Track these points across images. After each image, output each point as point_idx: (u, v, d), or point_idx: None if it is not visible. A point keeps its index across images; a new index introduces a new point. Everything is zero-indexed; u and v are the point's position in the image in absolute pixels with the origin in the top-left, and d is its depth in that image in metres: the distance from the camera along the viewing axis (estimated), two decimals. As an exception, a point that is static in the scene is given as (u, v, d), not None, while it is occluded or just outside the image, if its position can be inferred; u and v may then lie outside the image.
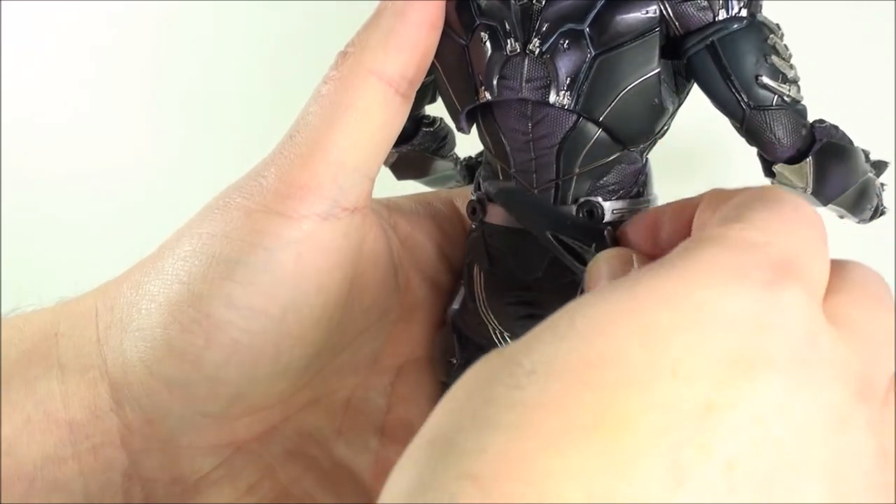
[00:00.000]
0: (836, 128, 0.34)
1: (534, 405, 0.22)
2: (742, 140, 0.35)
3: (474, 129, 0.38)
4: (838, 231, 0.53)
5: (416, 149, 0.42)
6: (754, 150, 0.35)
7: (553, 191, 0.35)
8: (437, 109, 0.42)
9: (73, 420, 0.35)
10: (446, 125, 0.43)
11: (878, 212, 0.37)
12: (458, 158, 0.46)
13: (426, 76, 0.39)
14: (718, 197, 0.29)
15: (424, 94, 0.40)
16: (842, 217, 0.37)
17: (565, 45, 0.33)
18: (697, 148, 0.50)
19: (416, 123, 0.42)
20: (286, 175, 0.35)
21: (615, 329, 0.23)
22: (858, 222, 0.37)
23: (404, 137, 0.41)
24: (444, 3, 0.35)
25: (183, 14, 0.70)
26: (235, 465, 0.39)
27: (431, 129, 0.42)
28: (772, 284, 0.24)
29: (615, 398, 0.22)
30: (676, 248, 0.25)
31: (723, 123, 0.35)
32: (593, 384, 0.22)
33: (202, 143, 0.71)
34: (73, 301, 0.38)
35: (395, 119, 0.36)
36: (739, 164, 0.54)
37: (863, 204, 0.36)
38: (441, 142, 0.43)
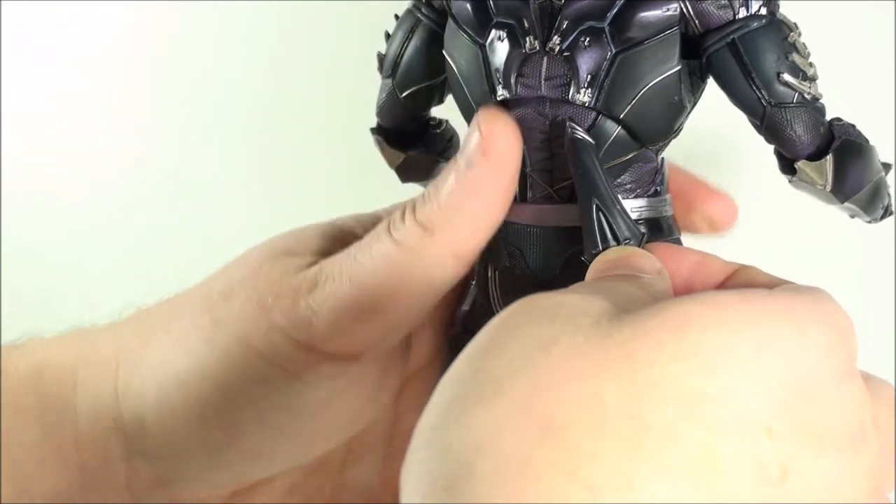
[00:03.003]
0: (852, 126, 0.34)
1: (655, 425, 0.22)
2: (748, 140, 0.35)
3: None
4: (839, 232, 0.54)
5: (423, 151, 0.42)
6: (758, 150, 0.36)
7: (570, 188, 0.35)
8: (438, 111, 0.42)
9: (85, 465, 0.37)
10: (451, 127, 0.43)
11: (888, 211, 0.37)
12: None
13: (435, 78, 0.39)
14: (761, 276, 0.32)
15: (432, 96, 0.40)
16: (853, 216, 0.38)
17: (586, 43, 0.33)
18: (704, 147, 0.50)
19: (423, 125, 0.41)
20: (340, 321, 0.35)
21: (737, 366, 0.23)
22: (869, 221, 0.37)
23: (412, 140, 0.41)
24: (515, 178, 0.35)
25: (183, 18, 0.69)
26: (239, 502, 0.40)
27: (438, 131, 0.42)
28: (852, 374, 0.26)
29: (720, 442, 0.22)
30: (779, 294, 0.27)
31: (730, 123, 0.35)
32: (706, 421, 0.22)
33: (203, 148, 0.70)
34: (92, 346, 0.38)
35: (453, 283, 0.36)
36: (751, 162, 0.55)
37: (876, 203, 0.36)
38: (447, 143, 0.43)
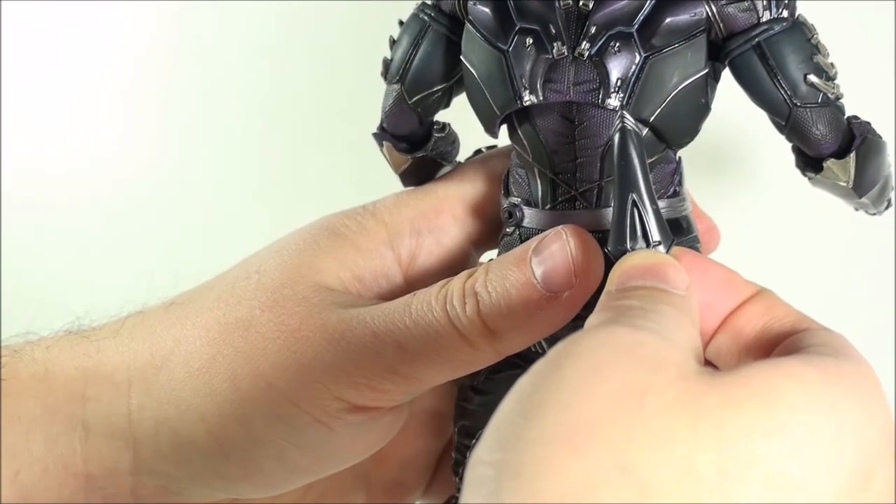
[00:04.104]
0: (868, 123, 0.35)
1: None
2: (751, 138, 0.36)
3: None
4: (840, 231, 0.55)
5: (428, 154, 0.42)
6: (756, 149, 0.36)
7: (595, 192, 0.35)
8: (444, 115, 0.42)
9: (90, 474, 0.37)
10: (453, 130, 0.43)
11: (890, 203, 0.39)
12: (455, 164, 0.46)
13: (443, 83, 0.39)
14: (780, 306, 0.32)
15: (441, 100, 0.40)
16: (857, 209, 0.39)
17: (616, 48, 0.33)
18: (709, 145, 0.51)
19: (428, 129, 0.41)
20: (373, 379, 0.35)
21: (820, 451, 0.24)
22: (874, 213, 0.39)
23: (418, 143, 0.41)
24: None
25: (184, 20, 0.68)
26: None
27: (443, 135, 0.42)
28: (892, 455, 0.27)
29: None
30: (847, 369, 0.27)
31: (738, 121, 0.36)
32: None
33: (203, 148, 0.69)
34: (100, 360, 0.38)
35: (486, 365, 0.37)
36: (749, 161, 0.56)
37: (883, 196, 0.38)
38: (451, 146, 0.43)
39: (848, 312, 0.59)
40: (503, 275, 0.34)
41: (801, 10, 0.36)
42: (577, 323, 0.36)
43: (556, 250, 0.34)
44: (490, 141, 0.42)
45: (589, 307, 0.36)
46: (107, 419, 0.37)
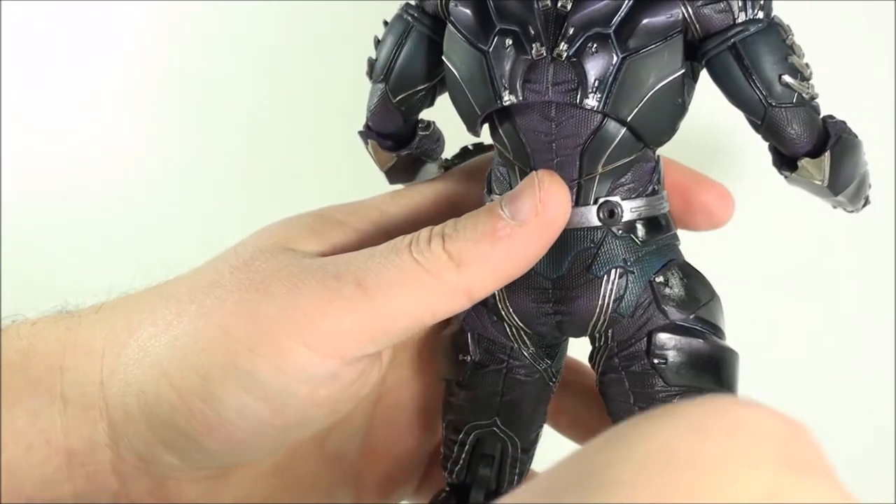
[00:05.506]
0: (843, 122, 0.36)
1: None
2: (741, 139, 0.36)
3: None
4: (840, 232, 0.55)
5: (413, 152, 0.42)
6: (751, 149, 0.37)
7: (575, 190, 0.36)
8: (428, 114, 0.42)
9: (71, 449, 0.37)
10: (438, 129, 0.44)
11: (867, 202, 0.39)
12: (441, 161, 0.46)
13: (426, 82, 0.39)
14: None
15: (425, 99, 0.40)
16: (836, 207, 0.39)
17: (594, 49, 0.34)
18: (697, 146, 0.51)
19: (413, 128, 0.42)
20: (329, 316, 0.35)
21: None
22: (851, 212, 0.39)
23: (403, 141, 0.42)
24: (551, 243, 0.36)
25: (183, 19, 0.69)
26: (221, 488, 0.41)
27: (427, 133, 0.42)
28: None
29: None
30: None
31: (722, 122, 0.36)
32: None
33: (197, 143, 0.70)
34: (79, 332, 0.38)
35: (449, 315, 0.37)
36: (743, 161, 0.56)
37: (860, 194, 0.38)
38: (435, 144, 0.44)
39: (847, 311, 0.59)
40: (472, 215, 0.36)
41: (802, 10, 0.37)
42: (560, 308, 0.37)
43: (524, 186, 0.35)
44: (476, 139, 0.43)
45: (569, 302, 0.37)
46: (82, 389, 0.37)
